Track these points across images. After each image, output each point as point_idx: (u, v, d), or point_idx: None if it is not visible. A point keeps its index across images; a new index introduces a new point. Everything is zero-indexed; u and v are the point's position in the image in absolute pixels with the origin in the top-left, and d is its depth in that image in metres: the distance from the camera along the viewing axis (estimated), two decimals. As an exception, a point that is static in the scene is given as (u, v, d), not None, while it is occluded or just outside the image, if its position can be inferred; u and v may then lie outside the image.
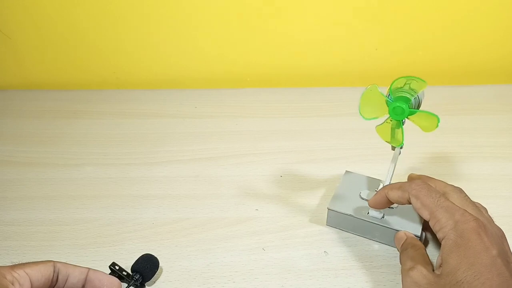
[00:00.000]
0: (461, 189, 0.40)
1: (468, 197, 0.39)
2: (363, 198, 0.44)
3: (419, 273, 0.35)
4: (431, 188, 0.38)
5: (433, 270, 0.35)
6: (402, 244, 0.40)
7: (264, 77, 0.74)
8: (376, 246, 0.43)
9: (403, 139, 0.39)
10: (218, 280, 0.39)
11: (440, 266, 0.34)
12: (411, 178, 0.45)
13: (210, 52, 0.71)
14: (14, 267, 0.30)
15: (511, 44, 0.72)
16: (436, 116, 0.36)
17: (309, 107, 0.65)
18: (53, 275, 0.32)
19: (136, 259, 0.39)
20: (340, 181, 0.47)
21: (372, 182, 0.47)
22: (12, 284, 0.29)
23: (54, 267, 0.32)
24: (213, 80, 0.73)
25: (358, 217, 0.43)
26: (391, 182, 0.42)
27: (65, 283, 0.33)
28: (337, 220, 0.44)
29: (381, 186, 0.44)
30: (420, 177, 0.44)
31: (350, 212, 0.43)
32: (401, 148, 0.41)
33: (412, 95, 0.37)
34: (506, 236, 0.37)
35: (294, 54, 0.71)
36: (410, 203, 0.38)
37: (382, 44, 0.71)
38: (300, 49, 0.71)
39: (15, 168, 0.54)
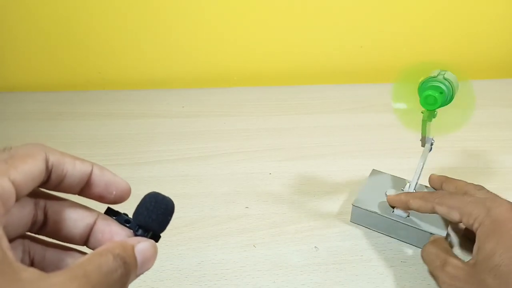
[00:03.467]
0: (482, 186, 0.40)
1: (491, 192, 0.39)
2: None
3: (454, 266, 0.35)
4: (453, 192, 0.38)
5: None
6: (429, 241, 0.40)
7: (251, 76, 0.74)
8: (365, 240, 0.43)
9: (425, 132, 0.39)
10: (210, 278, 0.39)
11: (475, 255, 0.34)
12: (432, 179, 0.44)
13: (197, 52, 0.71)
14: None
15: (493, 39, 0.73)
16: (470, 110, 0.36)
17: (296, 105, 0.66)
18: (44, 174, 0.22)
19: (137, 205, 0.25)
20: (367, 180, 0.46)
21: (399, 181, 0.46)
22: None
23: (47, 162, 0.22)
24: (200, 80, 0.73)
25: (383, 215, 0.42)
26: (419, 179, 0.42)
27: (60, 184, 0.23)
28: (361, 217, 0.44)
29: (407, 186, 0.44)
30: (440, 178, 0.43)
31: (375, 209, 0.43)
32: (431, 145, 0.41)
33: (446, 86, 0.35)
34: None
35: (281, 53, 0.72)
36: (432, 212, 0.38)
37: (367, 42, 0.72)
38: (286, 48, 0.71)
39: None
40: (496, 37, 0.73)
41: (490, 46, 0.74)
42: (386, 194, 0.44)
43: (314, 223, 0.45)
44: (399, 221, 0.42)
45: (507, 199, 0.37)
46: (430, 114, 0.38)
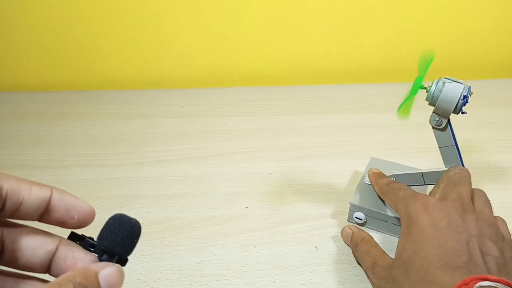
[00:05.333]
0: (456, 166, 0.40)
1: (462, 173, 0.38)
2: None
3: (380, 267, 0.36)
4: (398, 186, 0.39)
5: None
6: (351, 239, 0.41)
7: (251, 76, 0.74)
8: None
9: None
10: (210, 278, 0.39)
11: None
12: None
13: (197, 52, 0.71)
14: None
15: (493, 39, 0.73)
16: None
17: (296, 105, 0.66)
18: None
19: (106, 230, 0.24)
20: (365, 170, 0.47)
21: (396, 167, 0.46)
22: None
23: (0, 191, 0.21)
24: (200, 80, 0.73)
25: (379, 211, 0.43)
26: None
27: (16, 211, 0.22)
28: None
29: (393, 172, 0.44)
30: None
31: (370, 207, 0.43)
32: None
33: (436, 86, 0.36)
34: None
35: (281, 53, 0.72)
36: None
37: (367, 42, 0.72)
38: (286, 48, 0.71)
39: (-1, 171, 0.53)
40: (496, 37, 0.73)
41: (490, 46, 0.74)
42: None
43: (314, 223, 0.45)
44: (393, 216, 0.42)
45: (487, 197, 0.37)
46: (435, 120, 0.39)
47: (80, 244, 0.24)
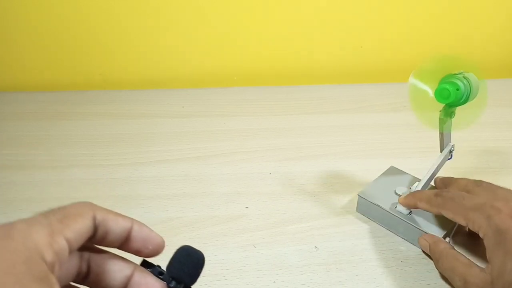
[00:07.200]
0: (481, 181, 0.40)
1: (493, 184, 0.38)
2: (397, 194, 0.44)
3: (475, 285, 0.34)
4: (455, 195, 0.38)
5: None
6: (430, 251, 0.39)
7: (251, 76, 0.74)
8: (366, 240, 0.43)
9: (442, 129, 0.40)
10: (210, 278, 0.39)
11: (490, 269, 0.33)
12: (437, 182, 0.44)
13: (197, 52, 0.71)
14: (53, 233, 0.21)
15: (493, 40, 0.73)
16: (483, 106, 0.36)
17: (296, 105, 0.66)
18: (92, 231, 0.23)
19: (170, 257, 0.27)
20: (381, 174, 0.47)
21: (414, 180, 0.46)
22: (52, 267, 0.20)
23: (94, 220, 0.23)
24: (200, 80, 0.73)
25: (385, 208, 0.43)
26: (429, 181, 0.43)
27: (103, 239, 0.24)
28: (366, 209, 0.45)
29: (415, 185, 0.43)
30: (444, 180, 0.44)
31: (378, 202, 0.44)
32: (451, 152, 0.42)
33: (464, 84, 0.36)
34: None
35: (281, 53, 0.72)
36: (440, 214, 0.39)
37: (367, 42, 0.72)
38: (286, 48, 0.71)
39: (-1, 171, 0.53)
40: (496, 37, 0.73)
41: (490, 46, 0.74)
42: (395, 192, 0.45)
43: (314, 223, 0.45)
44: (399, 217, 0.42)
45: (507, 188, 0.37)
46: (446, 112, 0.38)
47: (150, 271, 0.26)
